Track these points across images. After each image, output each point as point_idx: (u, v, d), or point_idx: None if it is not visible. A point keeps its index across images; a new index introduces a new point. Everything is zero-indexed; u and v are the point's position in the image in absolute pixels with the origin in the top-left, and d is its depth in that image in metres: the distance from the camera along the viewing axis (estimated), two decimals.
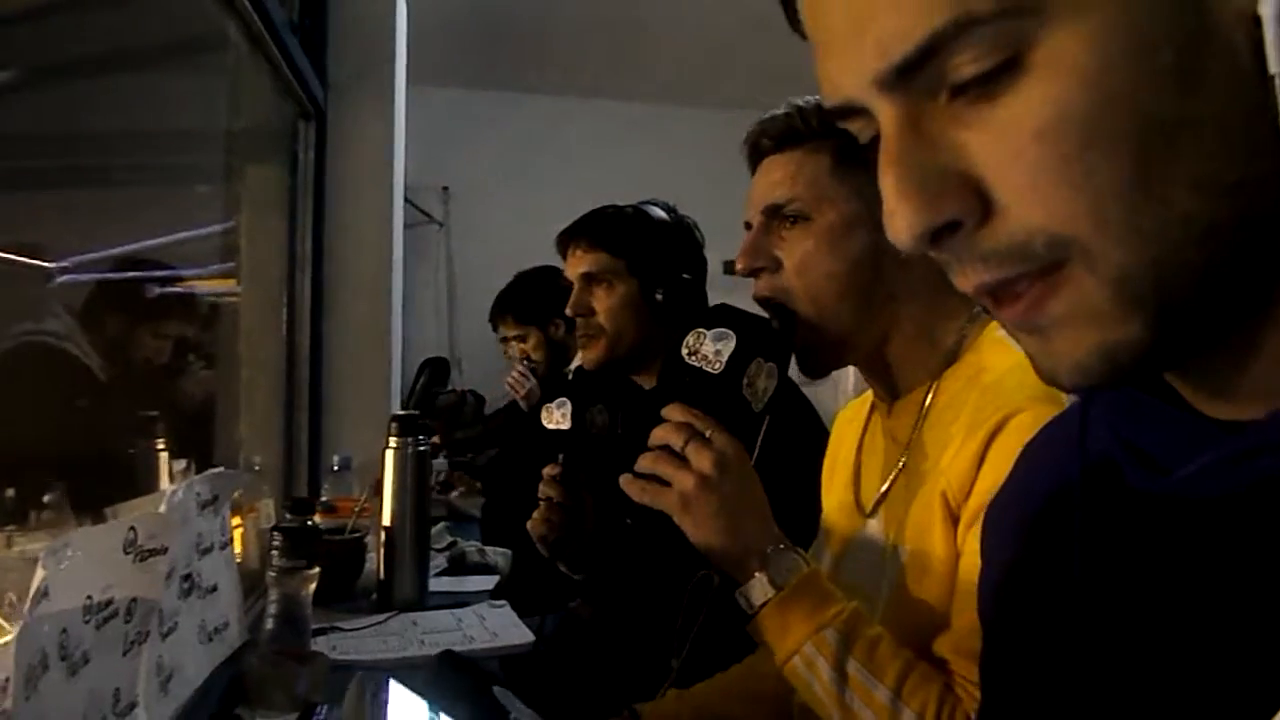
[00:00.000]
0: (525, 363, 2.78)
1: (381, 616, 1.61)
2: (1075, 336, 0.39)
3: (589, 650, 1.58)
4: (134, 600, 0.89)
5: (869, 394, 1.12)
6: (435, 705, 0.45)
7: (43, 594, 0.68)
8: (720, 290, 1.69)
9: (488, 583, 1.88)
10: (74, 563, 0.76)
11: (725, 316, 0.95)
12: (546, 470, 1.53)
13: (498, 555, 2.06)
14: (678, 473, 0.89)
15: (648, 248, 1.57)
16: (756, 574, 0.87)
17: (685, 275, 1.57)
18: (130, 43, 1.62)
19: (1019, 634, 0.57)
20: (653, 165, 4.02)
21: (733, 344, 0.92)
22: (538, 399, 2.83)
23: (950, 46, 0.36)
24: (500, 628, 1.57)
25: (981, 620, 0.65)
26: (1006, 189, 0.38)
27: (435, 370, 4.20)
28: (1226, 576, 0.41)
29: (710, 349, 0.93)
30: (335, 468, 2.03)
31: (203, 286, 2.02)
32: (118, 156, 1.71)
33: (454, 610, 1.67)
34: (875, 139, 0.42)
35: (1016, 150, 0.37)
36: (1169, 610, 0.44)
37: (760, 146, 1.01)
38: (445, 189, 5.09)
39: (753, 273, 0.98)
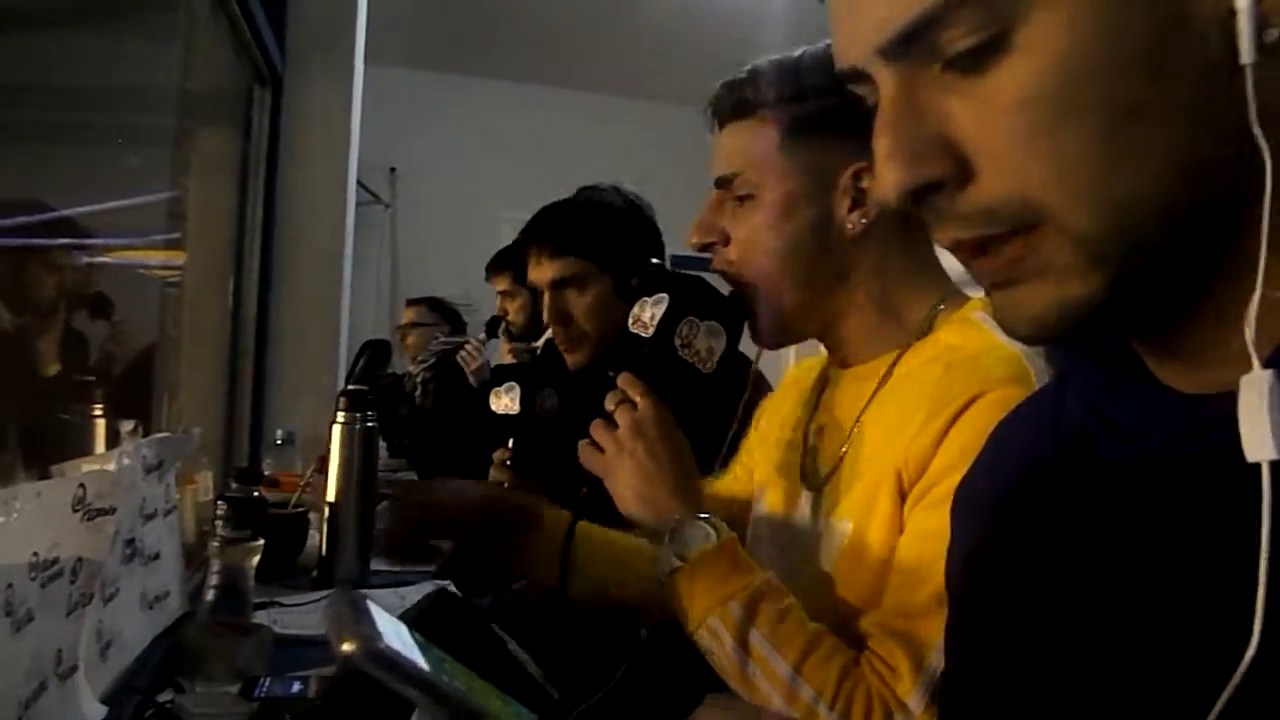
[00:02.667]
0: (480, 337, 2.80)
1: (323, 593, 1.59)
2: (1039, 291, 0.42)
3: (537, 631, 1.57)
4: (79, 560, 0.86)
5: (819, 359, 1.10)
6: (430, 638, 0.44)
7: None
8: None
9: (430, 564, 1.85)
10: (22, 516, 0.74)
11: (661, 279, 0.95)
12: (497, 455, 1.52)
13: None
14: (604, 437, 0.91)
15: (612, 243, 1.56)
16: (664, 543, 0.87)
17: (652, 259, 1.57)
18: None
19: (987, 608, 0.59)
20: (604, 155, 4.01)
21: (664, 305, 0.92)
22: (487, 377, 2.83)
23: (943, 21, 0.40)
24: None
25: (950, 595, 0.66)
26: (984, 155, 0.41)
27: (376, 352, 4.13)
28: (1190, 540, 0.44)
29: (647, 314, 0.93)
30: (278, 441, 1.99)
31: (143, 257, 1.96)
32: (57, 112, 1.64)
33: (397, 589, 1.65)
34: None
35: (995, 120, 0.40)
36: (1138, 577, 0.46)
37: (718, 110, 0.99)
38: (393, 170, 5.03)
39: (705, 247, 0.98)
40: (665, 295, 0.92)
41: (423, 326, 3.65)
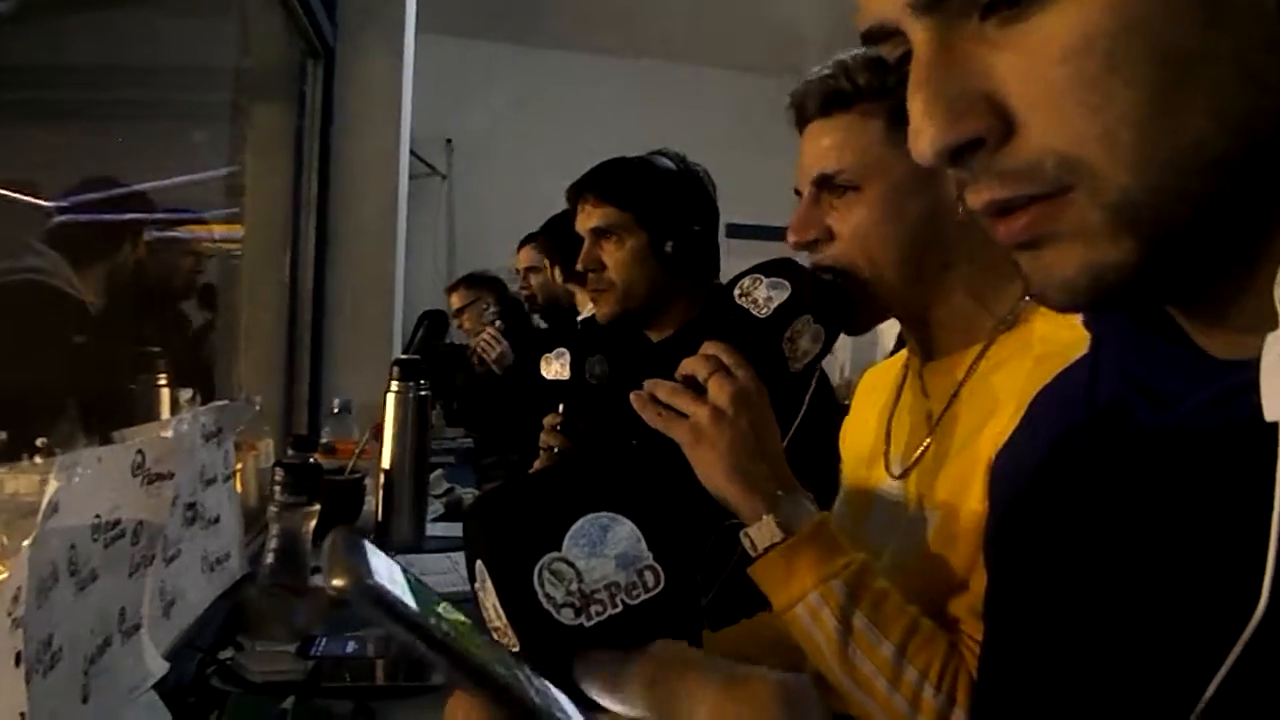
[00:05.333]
0: (497, 323, 2.82)
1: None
2: (1068, 255, 0.41)
3: None
4: (140, 523, 0.89)
5: (900, 356, 1.11)
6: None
7: (53, 509, 0.68)
8: (727, 253, 1.69)
9: None
10: (84, 480, 0.77)
11: (787, 268, 0.93)
12: (547, 420, 1.53)
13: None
14: (694, 404, 0.87)
15: (656, 199, 1.56)
16: (765, 516, 0.85)
17: (695, 226, 1.56)
18: None
19: (1021, 577, 0.58)
20: (659, 123, 3.98)
21: (786, 294, 0.90)
22: (509, 362, 2.85)
23: None
24: None
25: (985, 564, 0.66)
26: (1028, 108, 0.39)
27: (434, 323, 4.21)
28: (1218, 506, 0.43)
29: (763, 294, 0.91)
30: (335, 410, 2.03)
31: (204, 230, 2.01)
32: (123, 92, 1.69)
33: (450, 554, 1.69)
34: (904, 57, 0.44)
35: (1041, 71, 0.38)
36: (1168, 544, 0.45)
37: (805, 110, 0.96)
38: (449, 141, 5.06)
39: (805, 245, 0.96)
40: (787, 283, 0.90)
41: (471, 305, 3.72)
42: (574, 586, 0.45)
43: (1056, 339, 0.86)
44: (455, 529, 1.89)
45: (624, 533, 0.46)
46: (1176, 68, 0.37)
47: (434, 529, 1.83)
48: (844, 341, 1.10)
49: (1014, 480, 0.63)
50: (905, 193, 0.91)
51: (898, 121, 0.91)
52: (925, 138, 0.41)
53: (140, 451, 0.87)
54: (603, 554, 0.46)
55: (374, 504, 1.74)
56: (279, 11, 1.83)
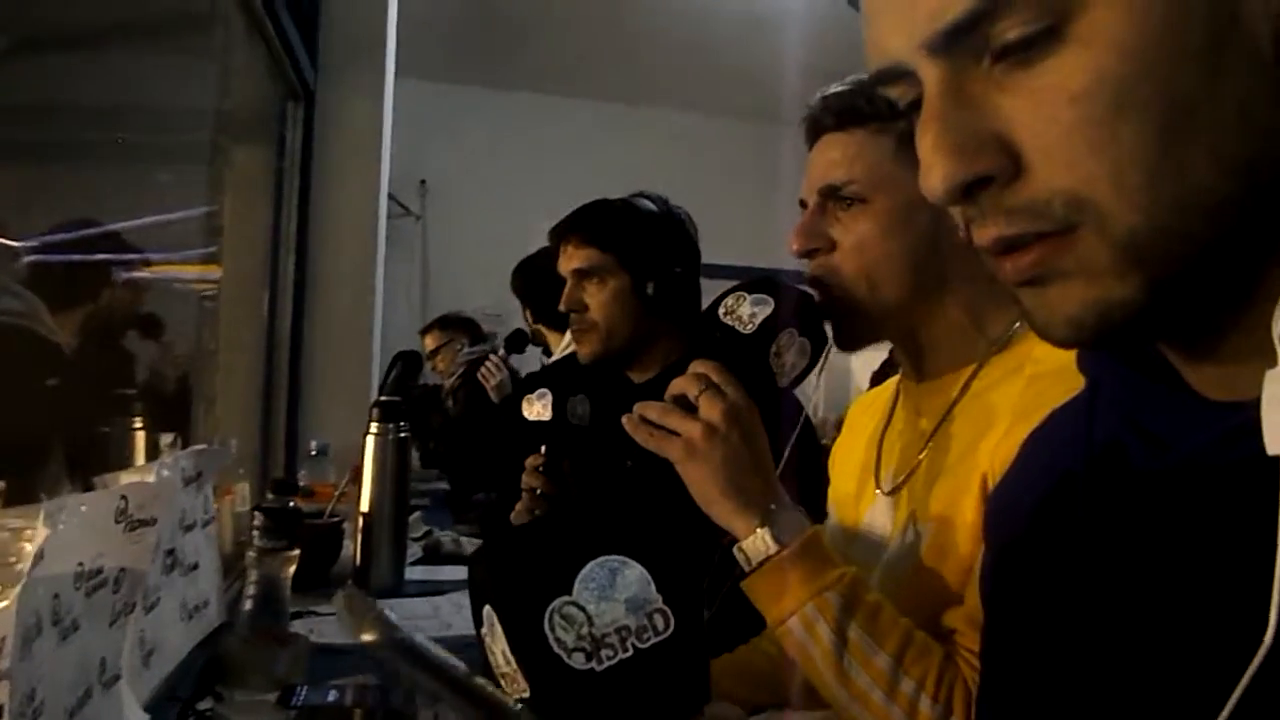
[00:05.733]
0: (500, 353, 2.82)
1: None
2: (1074, 292, 0.42)
3: None
4: (122, 571, 0.87)
5: (890, 383, 1.13)
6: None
7: (40, 555, 0.67)
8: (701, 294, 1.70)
9: (462, 572, 1.86)
10: (69, 527, 0.75)
11: (769, 284, 0.95)
12: (529, 461, 1.52)
13: (472, 545, 2.05)
14: (685, 421, 0.88)
15: (638, 241, 1.57)
16: (758, 529, 0.85)
17: (677, 268, 1.58)
18: (114, 11, 1.60)
19: (1019, 616, 0.59)
20: (632, 165, 4.02)
21: (769, 309, 0.92)
22: (508, 391, 2.85)
23: (996, 13, 0.39)
24: None
25: (983, 603, 0.66)
26: (1037, 149, 0.41)
27: (408, 363, 4.19)
28: (1221, 547, 0.43)
29: (747, 311, 0.93)
30: (313, 453, 2.01)
31: (180, 271, 1.99)
32: (96, 132, 1.68)
33: (431, 598, 1.67)
34: (915, 103, 0.45)
35: (1052, 113, 0.40)
36: (1169, 586, 0.46)
37: (821, 122, 0.98)
38: (423, 182, 5.08)
39: (807, 254, 0.97)
40: (770, 299, 0.92)
41: (445, 346, 3.73)
42: (584, 630, 0.45)
43: (1050, 360, 0.86)
44: (434, 573, 1.87)
45: (633, 576, 0.46)
46: (1182, 112, 0.38)
47: (413, 572, 1.81)
48: (815, 380, 1.11)
49: (1011, 520, 0.63)
50: (910, 210, 0.93)
51: (908, 142, 0.94)
52: (936, 174, 0.42)
53: (124, 497, 0.86)
54: (613, 598, 0.45)
55: (353, 548, 1.71)
56: (261, 53, 1.83)
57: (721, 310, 0.94)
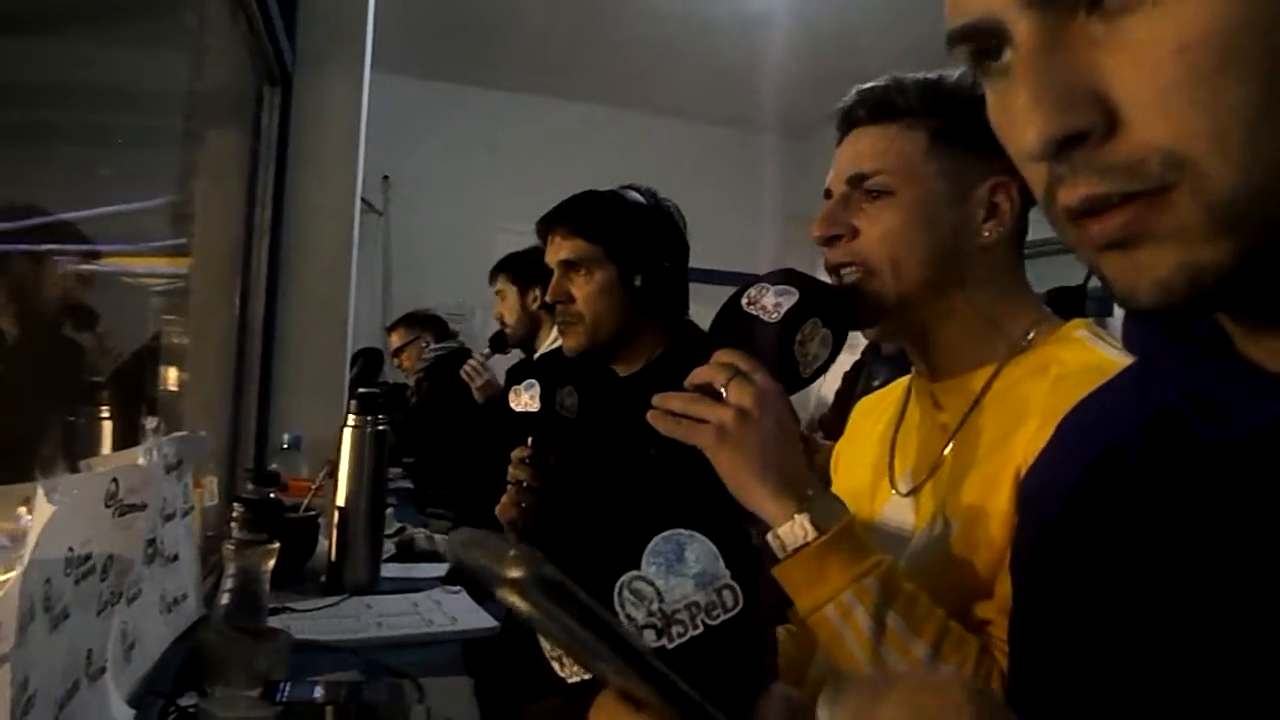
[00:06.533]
0: (485, 351, 2.81)
1: (334, 599, 1.56)
2: (1163, 255, 0.40)
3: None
4: (110, 557, 0.84)
5: (895, 385, 1.14)
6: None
7: (41, 536, 0.63)
8: None
9: (437, 569, 1.83)
10: (60, 509, 0.71)
11: (791, 275, 0.94)
12: (515, 453, 1.50)
13: (445, 543, 2.02)
14: (715, 408, 0.87)
15: (626, 233, 1.55)
16: (796, 515, 0.83)
17: (665, 262, 1.56)
18: None
19: (1061, 597, 0.58)
20: (601, 167, 4.00)
21: (794, 299, 0.91)
22: (495, 392, 2.82)
23: None
24: (459, 612, 1.53)
25: (1016, 587, 0.65)
26: (1135, 105, 0.39)
27: (369, 360, 4.14)
28: None
29: (771, 301, 0.92)
30: (285, 446, 1.96)
31: (146, 264, 1.92)
32: (67, 114, 1.62)
33: (409, 595, 1.63)
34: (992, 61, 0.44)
35: (1153, 67, 0.39)
36: (1235, 558, 0.45)
37: (853, 115, 1.00)
38: (386, 178, 5.01)
39: (829, 240, 0.98)
40: (794, 289, 0.91)
41: (410, 344, 3.71)
42: (655, 607, 0.43)
43: (1074, 361, 0.89)
44: (410, 570, 1.83)
45: (702, 550, 0.44)
46: None
47: (386, 570, 1.77)
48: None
49: (1049, 501, 0.62)
50: (936, 206, 0.95)
51: (938, 139, 0.96)
52: (1033, 129, 0.41)
53: (115, 480, 0.82)
54: (681, 572, 0.44)
55: (328, 543, 1.67)
56: (240, 33, 1.78)
57: (745, 301, 0.93)
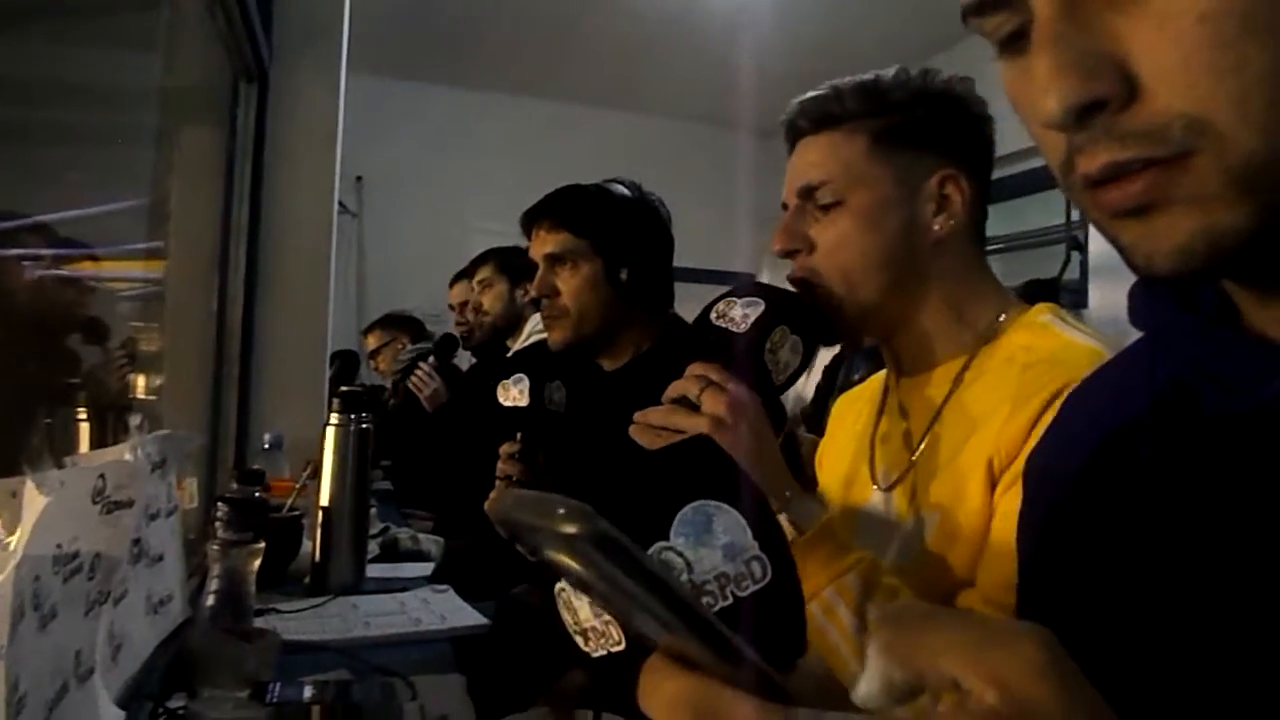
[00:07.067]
0: (430, 359, 2.79)
1: (320, 599, 1.54)
2: (1183, 219, 0.41)
3: (541, 636, 1.54)
4: (97, 556, 0.82)
5: (873, 380, 1.15)
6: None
7: (33, 529, 0.61)
8: None
9: (423, 569, 1.82)
10: (49, 504, 0.69)
11: (757, 287, 0.96)
12: (504, 448, 1.48)
13: (430, 542, 2.00)
14: (691, 418, 0.89)
15: (612, 226, 1.55)
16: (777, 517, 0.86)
17: (651, 255, 1.55)
18: None
19: (1071, 572, 0.58)
20: (575, 165, 3.99)
21: (761, 308, 0.92)
22: (443, 400, 2.79)
23: None
24: (448, 611, 1.52)
25: (1022, 564, 0.65)
26: (1156, 71, 0.40)
27: (345, 362, 4.11)
28: None
29: (739, 312, 0.93)
30: (266, 446, 1.93)
31: (121, 268, 1.89)
32: (30, 112, 1.58)
33: (395, 595, 1.61)
34: (1009, 36, 0.44)
35: (1175, 33, 0.39)
36: (1251, 530, 0.45)
37: (797, 127, 1.01)
38: (359, 179, 4.96)
39: (788, 254, 0.99)
40: (761, 300, 0.93)
41: (386, 346, 3.69)
42: (684, 578, 0.42)
43: (1042, 347, 0.91)
44: (395, 570, 1.81)
45: (730, 521, 0.43)
46: None
47: (371, 570, 1.75)
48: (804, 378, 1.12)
49: (1057, 478, 0.62)
50: (884, 208, 0.96)
51: (880, 141, 0.97)
52: (1055, 96, 0.41)
53: (102, 476, 0.80)
54: (710, 543, 0.43)
55: (311, 544, 1.64)
56: (218, 26, 1.75)
57: (713, 315, 0.95)
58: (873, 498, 1.01)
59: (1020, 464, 0.83)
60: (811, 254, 0.98)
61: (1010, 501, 0.83)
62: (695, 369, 0.93)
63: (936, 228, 0.96)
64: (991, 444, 0.87)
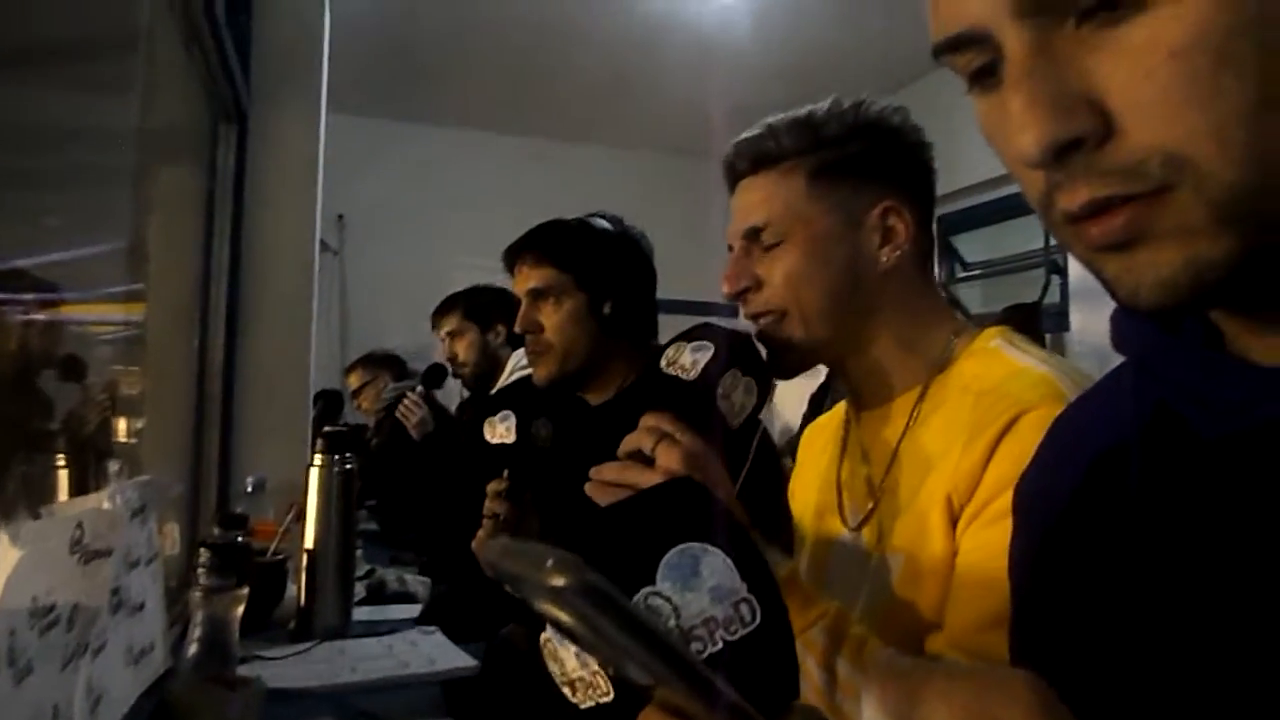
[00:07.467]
0: (419, 389, 2.77)
1: (305, 645, 1.51)
2: (1165, 253, 0.41)
3: (526, 678, 1.51)
4: (75, 607, 0.80)
5: (837, 411, 1.13)
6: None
7: (9, 582, 0.60)
8: None
9: (409, 611, 1.79)
10: (25, 556, 0.68)
11: (706, 331, 0.95)
12: (492, 486, 1.47)
13: (418, 583, 1.97)
14: (644, 474, 0.87)
15: (594, 261, 1.54)
16: None
17: (634, 288, 1.55)
18: (30, 23, 1.51)
19: (1066, 600, 0.57)
20: (555, 200, 4.00)
21: (709, 353, 0.92)
22: (430, 429, 2.77)
23: None
24: (436, 654, 1.49)
25: (1015, 594, 0.64)
26: (1132, 109, 0.40)
27: (329, 402, 4.08)
28: None
29: (688, 359, 0.93)
30: (249, 489, 1.90)
31: (99, 311, 1.87)
32: (6, 155, 1.57)
33: (382, 638, 1.59)
34: (978, 71, 0.45)
35: (1149, 69, 0.39)
36: (1245, 551, 0.45)
37: (735, 169, 1.01)
38: (340, 217, 4.96)
39: (738, 295, 0.99)
40: (710, 344, 0.92)
41: (368, 384, 3.67)
42: (672, 623, 0.41)
43: (989, 376, 0.90)
44: (381, 612, 1.78)
45: (717, 564, 0.43)
46: None
47: (357, 613, 1.72)
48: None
49: (1046, 503, 0.62)
50: (826, 242, 0.96)
51: (818, 176, 0.97)
52: (1031, 135, 0.41)
53: (80, 525, 0.78)
54: (697, 587, 0.42)
55: (296, 588, 1.62)
56: (196, 68, 1.75)
57: (664, 362, 0.94)
58: (843, 536, 1.00)
59: (981, 498, 0.83)
60: (761, 291, 0.97)
61: (978, 538, 0.82)
62: (648, 420, 0.91)
63: (883, 259, 0.96)
64: (949, 481, 0.86)
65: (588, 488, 0.91)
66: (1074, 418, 0.66)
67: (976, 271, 4.54)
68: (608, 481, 0.89)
